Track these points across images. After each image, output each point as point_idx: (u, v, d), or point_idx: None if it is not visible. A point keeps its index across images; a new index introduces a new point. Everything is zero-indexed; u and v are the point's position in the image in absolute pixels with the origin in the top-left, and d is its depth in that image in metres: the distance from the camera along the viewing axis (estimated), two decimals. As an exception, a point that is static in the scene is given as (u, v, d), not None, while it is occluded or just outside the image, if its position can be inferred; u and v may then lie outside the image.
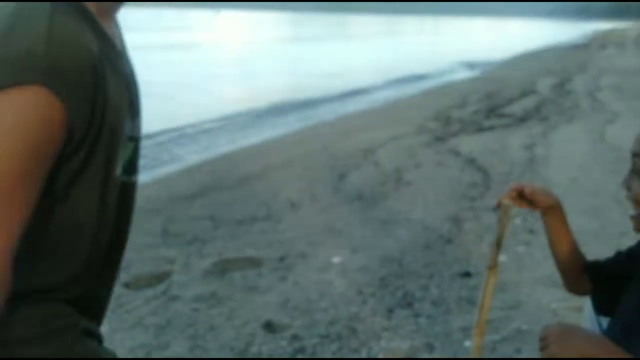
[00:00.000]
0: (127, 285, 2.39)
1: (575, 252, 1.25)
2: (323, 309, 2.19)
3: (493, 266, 1.21)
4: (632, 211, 1.02)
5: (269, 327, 2.08)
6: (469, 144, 4.97)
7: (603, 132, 4.96)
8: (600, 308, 1.21)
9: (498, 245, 1.22)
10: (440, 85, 9.79)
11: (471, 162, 4.36)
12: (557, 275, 1.27)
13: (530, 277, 2.41)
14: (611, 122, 5.35)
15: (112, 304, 2.28)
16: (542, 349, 1.02)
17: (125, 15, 0.98)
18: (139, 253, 2.70)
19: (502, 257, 2.64)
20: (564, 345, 0.98)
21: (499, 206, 1.25)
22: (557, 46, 17.79)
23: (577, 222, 3.01)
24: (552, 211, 1.23)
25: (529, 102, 6.92)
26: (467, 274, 2.47)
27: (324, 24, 56.16)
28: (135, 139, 0.87)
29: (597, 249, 2.63)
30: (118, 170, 0.83)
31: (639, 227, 1.02)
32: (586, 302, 1.26)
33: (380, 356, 1.87)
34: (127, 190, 0.89)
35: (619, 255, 1.19)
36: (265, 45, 23.41)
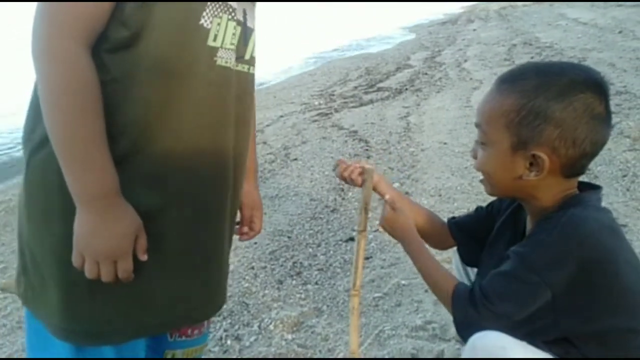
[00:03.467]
0: (2, 289, 2.25)
1: (427, 217, 1.36)
2: (214, 289, 2.19)
3: (363, 230, 1.27)
4: (481, 177, 1.11)
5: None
6: (351, 117, 5.16)
7: (469, 98, 5.40)
8: (466, 260, 1.32)
9: (365, 209, 1.28)
10: (325, 63, 9.98)
11: (353, 134, 4.55)
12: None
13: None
14: (476, 88, 5.82)
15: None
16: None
17: None
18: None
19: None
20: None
21: (361, 174, 1.32)
22: (430, 22, 18.87)
23: (447, 181, 3.29)
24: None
25: (404, 76, 7.31)
26: (350, 239, 2.61)
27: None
28: (241, 24, 0.99)
29: (465, 203, 2.92)
30: (217, 42, 0.93)
31: (488, 190, 1.11)
32: (454, 254, 1.38)
33: (271, 327, 1.93)
34: (242, 79, 1.05)
35: (479, 210, 1.30)
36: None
